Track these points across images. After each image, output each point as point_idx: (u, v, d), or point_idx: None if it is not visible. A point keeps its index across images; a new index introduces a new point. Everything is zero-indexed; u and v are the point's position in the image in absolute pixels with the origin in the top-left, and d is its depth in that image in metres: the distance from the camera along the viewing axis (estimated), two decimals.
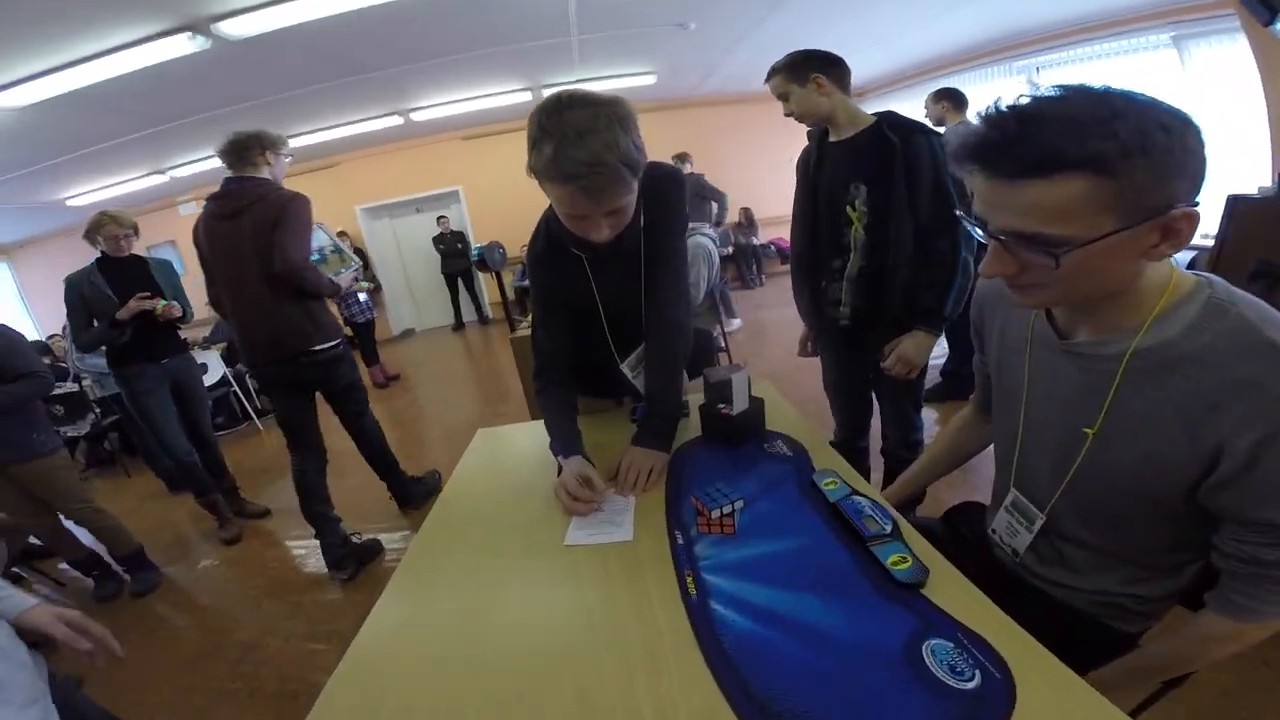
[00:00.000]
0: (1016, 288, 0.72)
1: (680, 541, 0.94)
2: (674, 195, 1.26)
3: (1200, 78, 4.35)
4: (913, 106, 3.65)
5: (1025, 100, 0.62)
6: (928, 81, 6.85)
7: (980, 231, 0.69)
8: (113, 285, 2.77)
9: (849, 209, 1.65)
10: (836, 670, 0.66)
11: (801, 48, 1.71)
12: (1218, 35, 4.16)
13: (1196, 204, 0.61)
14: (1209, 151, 0.60)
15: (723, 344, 3.41)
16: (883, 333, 1.70)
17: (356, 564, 2.58)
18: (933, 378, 3.52)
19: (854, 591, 0.77)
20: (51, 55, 3.12)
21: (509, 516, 1.14)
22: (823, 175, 1.75)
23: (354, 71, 4.53)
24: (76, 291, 2.77)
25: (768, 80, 1.74)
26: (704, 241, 2.98)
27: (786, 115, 1.74)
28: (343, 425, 2.75)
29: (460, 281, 8.13)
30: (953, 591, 0.75)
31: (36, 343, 5.60)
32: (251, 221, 2.21)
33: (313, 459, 2.56)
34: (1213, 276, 0.69)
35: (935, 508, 1.28)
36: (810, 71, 1.63)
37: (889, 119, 1.62)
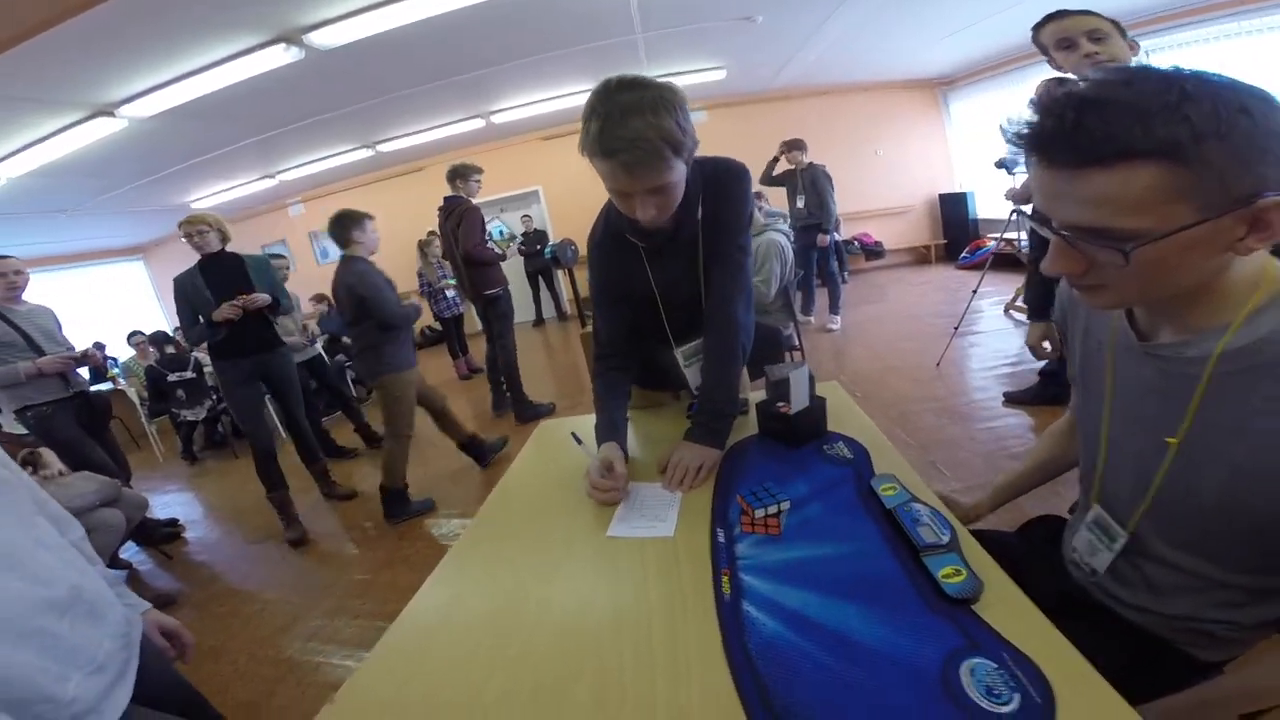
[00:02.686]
0: (1082, 288, 0.65)
1: (721, 540, 0.92)
2: (735, 191, 1.23)
3: None
4: (1010, 96, 3.38)
5: (1084, 85, 0.55)
6: (1022, 68, 6.38)
7: (1043, 229, 0.63)
8: (211, 284, 2.93)
9: None
10: (864, 684, 0.63)
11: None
12: None
13: None
14: None
15: (796, 342, 3.30)
16: None
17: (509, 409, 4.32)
18: (1030, 378, 3.28)
19: (898, 603, 0.72)
20: (166, 69, 3.48)
21: (558, 508, 1.16)
22: None
23: (437, 76, 4.77)
24: (181, 291, 2.93)
25: (1074, 15, 1.58)
26: (777, 238, 2.90)
27: (1085, 56, 1.56)
28: (489, 339, 4.23)
29: (540, 279, 8.38)
30: (1007, 609, 0.69)
31: (160, 333, 6.23)
32: (452, 224, 3.92)
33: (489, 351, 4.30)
34: None
35: (1014, 518, 1.20)
36: (1128, 37, 1.57)
37: None
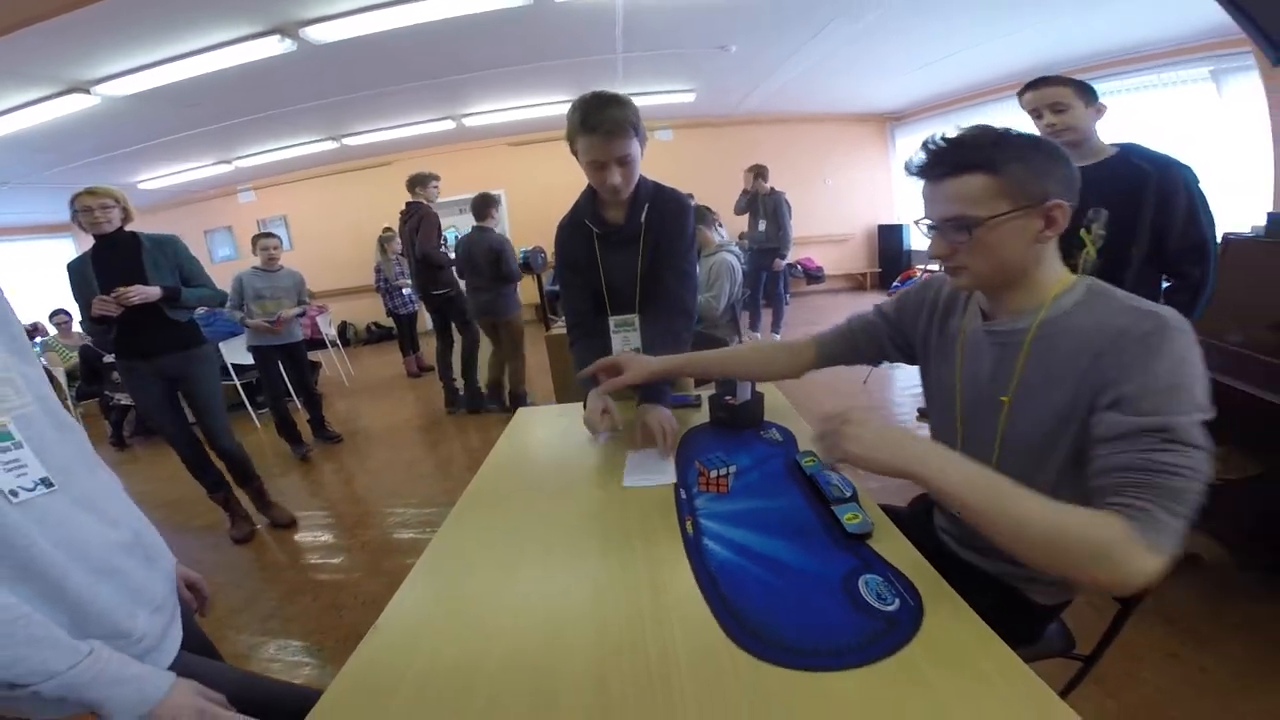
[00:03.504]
0: (950, 270, 0.95)
1: (684, 496, 1.16)
2: (682, 219, 1.59)
3: (1237, 111, 4.36)
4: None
5: (951, 132, 0.90)
6: (974, 107, 6.92)
7: (927, 228, 0.94)
8: (101, 270, 2.49)
9: (1083, 232, 1.75)
10: (792, 591, 0.87)
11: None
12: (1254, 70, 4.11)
13: (1070, 202, 0.86)
14: (1073, 171, 0.87)
15: None
16: None
17: (464, 408, 4.64)
18: None
19: (814, 537, 0.98)
20: (154, 51, 3.48)
21: (545, 477, 1.37)
22: None
23: (418, 77, 4.89)
24: (73, 279, 2.54)
25: (1044, 85, 1.77)
26: (728, 258, 3.15)
27: (1047, 126, 1.76)
28: (440, 338, 4.57)
29: None
30: (891, 544, 0.95)
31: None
32: (410, 226, 4.24)
33: (446, 345, 4.60)
34: (1092, 278, 0.92)
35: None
36: (1095, 99, 1.75)
37: (1136, 150, 1.74)
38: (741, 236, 7.27)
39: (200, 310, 2.95)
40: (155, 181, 7.00)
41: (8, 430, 0.77)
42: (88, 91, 3.77)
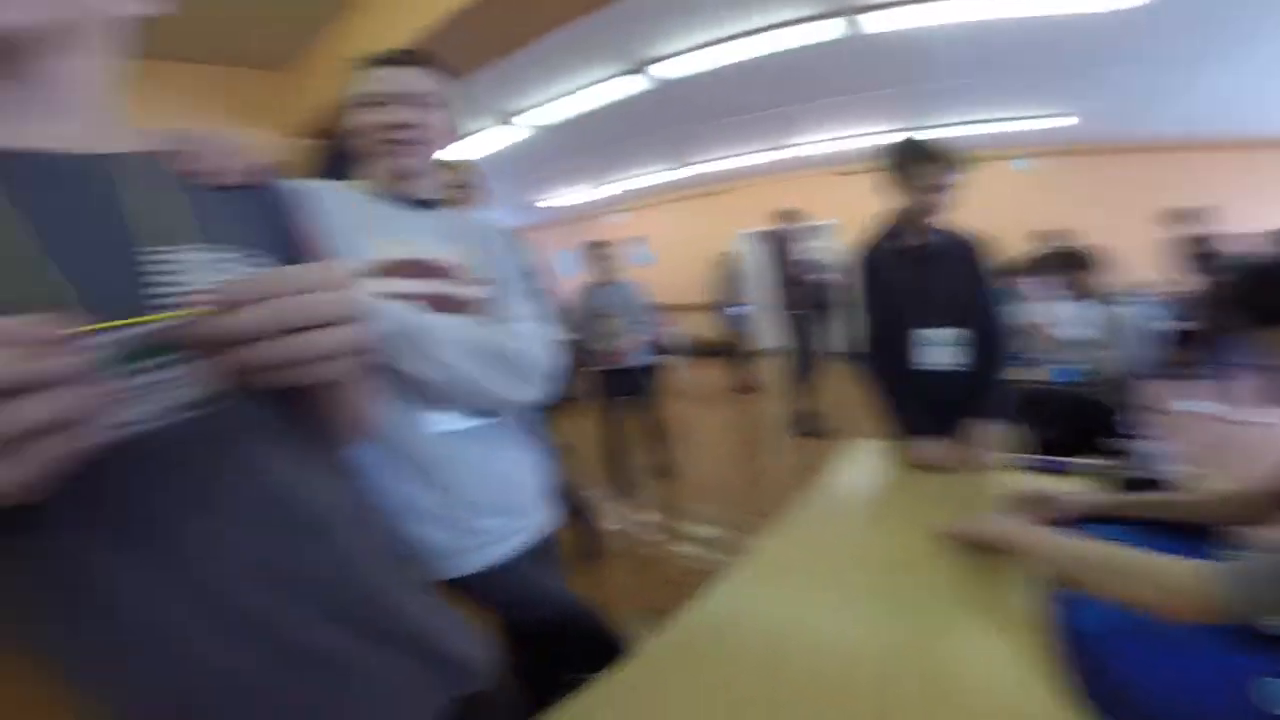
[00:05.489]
0: None
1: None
2: (977, 246, 1.77)
3: None
4: None
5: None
6: None
7: None
8: None
9: None
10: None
11: None
12: None
13: None
14: None
15: None
16: None
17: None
18: None
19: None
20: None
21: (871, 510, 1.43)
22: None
23: (745, 110, 5.18)
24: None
25: None
26: (1130, 312, 2.65)
27: None
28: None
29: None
30: None
31: None
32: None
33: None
34: None
35: None
36: None
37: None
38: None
39: None
40: (559, 199, 8.47)
41: None
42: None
